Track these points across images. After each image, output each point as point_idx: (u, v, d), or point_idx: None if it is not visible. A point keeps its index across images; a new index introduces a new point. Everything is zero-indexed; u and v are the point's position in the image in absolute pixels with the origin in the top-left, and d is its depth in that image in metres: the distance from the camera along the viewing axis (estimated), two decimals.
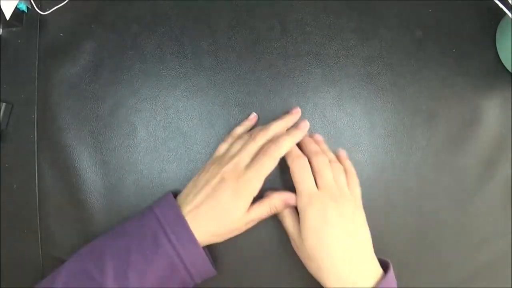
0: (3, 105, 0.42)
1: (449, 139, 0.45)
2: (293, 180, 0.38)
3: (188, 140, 0.43)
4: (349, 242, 0.36)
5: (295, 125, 0.42)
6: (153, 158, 0.43)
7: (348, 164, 0.42)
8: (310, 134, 0.43)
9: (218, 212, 0.36)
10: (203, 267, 0.36)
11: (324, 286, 0.36)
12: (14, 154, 0.43)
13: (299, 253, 0.39)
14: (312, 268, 0.37)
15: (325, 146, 0.43)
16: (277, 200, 0.38)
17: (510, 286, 0.45)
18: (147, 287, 0.35)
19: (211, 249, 0.41)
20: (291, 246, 0.40)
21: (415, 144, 0.44)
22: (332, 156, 0.42)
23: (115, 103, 0.43)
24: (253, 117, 0.43)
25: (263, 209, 0.38)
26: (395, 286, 0.37)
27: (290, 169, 0.39)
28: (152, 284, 0.35)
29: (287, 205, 0.39)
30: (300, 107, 0.44)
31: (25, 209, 0.42)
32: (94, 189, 0.43)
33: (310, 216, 0.37)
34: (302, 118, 0.43)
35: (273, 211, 0.39)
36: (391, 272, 0.37)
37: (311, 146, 0.41)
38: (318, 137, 0.43)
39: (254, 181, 0.37)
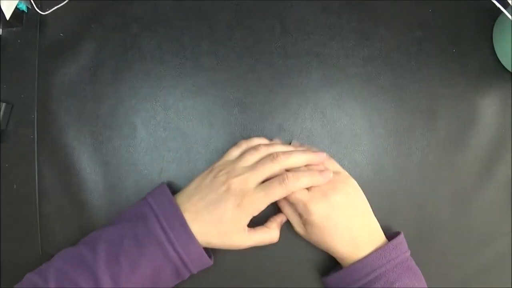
0: (3, 105, 0.42)
1: (449, 139, 0.45)
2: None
3: (188, 140, 0.43)
4: (352, 218, 0.39)
5: (319, 169, 0.40)
6: (153, 158, 0.43)
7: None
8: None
9: (218, 221, 0.36)
10: (197, 255, 0.36)
11: (334, 255, 0.40)
12: (14, 154, 0.43)
13: (307, 238, 0.41)
14: (322, 247, 0.40)
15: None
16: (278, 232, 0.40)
17: (510, 286, 0.45)
18: (140, 274, 0.34)
19: None
20: (289, 238, 0.42)
21: (415, 144, 0.44)
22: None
23: (115, 103, 0.43)
24: (276, 141, 0.43)
25: (266, 238, 0.39)
26: (401, 253, 0.38)
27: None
28: (144, 272, 0.34)
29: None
30: (300, 107, 0.44)
31: (25, 209, 0.42)
32: (94, 189, 0.43)
33: (315, 217, 0.38)
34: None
35: (273, 241, 0.40)
36: (398, 238, 0.38)
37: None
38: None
39: (259, 203, 0.36)
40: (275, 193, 0.36)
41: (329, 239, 0.38)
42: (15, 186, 0.43)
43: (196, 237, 0.35)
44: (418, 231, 0.44)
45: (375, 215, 0.40)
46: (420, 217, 0.44)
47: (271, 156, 0.38)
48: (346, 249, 0.38)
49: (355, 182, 0.40)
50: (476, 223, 0.45)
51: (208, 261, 0.37)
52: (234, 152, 0.40)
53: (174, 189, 0.43)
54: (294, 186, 0.37)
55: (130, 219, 0.37)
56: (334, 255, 0.40)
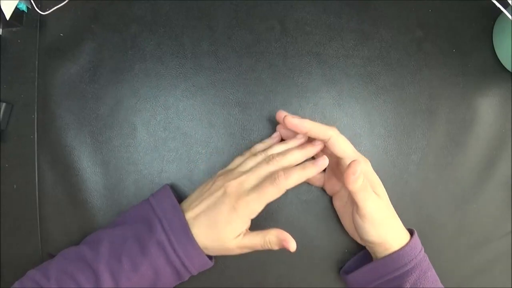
0: (3, 105, 0.42)
1: (449, 139, 0.45)
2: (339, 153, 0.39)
3: (188, 140, 0.43)
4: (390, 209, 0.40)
5: (313, 159, 0.39)
6: (153, 158, 0.43)
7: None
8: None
9: (214, 224, 0.36)
10: (198, 258, 0.36)
11: (372, 252, 0.40)
12: (14, 154, 0.43)
13: (356, 225, 0.39)
14: (364, 239, 0.39)
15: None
16: (273, 237, 0.36)
17: (510, 286, 0.45)
18: (140, 274, 0.35)
19: None
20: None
21: (415, 144, 0.44)
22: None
23: (115, 103, 0.43)
24: (276, 136, 0.42)
25: (257, 241, 0.37)
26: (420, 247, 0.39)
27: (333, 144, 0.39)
28: (145, 273, 0.35)
29: (282, 246, 0.36)
30: (300, 107, 0.44)
31: (25, 209, 0.42)
32: (94, 189, 0.43)
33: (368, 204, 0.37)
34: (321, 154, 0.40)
35: (266, 246, 0.37)
36: (415, 236, 0.40)
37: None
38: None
39: (253, 205, 0.35)
40: (267, 193, 0.35)
41: (387, 221, 0.38)
42: (15, 186, 0.43)
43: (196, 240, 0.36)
44: (418, 231, 0.44)
45: None
46: (420, 217, 0.44)
47: (266, 159, 0.38)
48: (395, 238, 0.38)
49: None
50: (476, 223, 0.45)
51: (209, 263, 0.37)
52: (237, 161, 0.40)
53: (175, 190, 0.43)
54: (286, 184, 0.36)
55: (133, 220, 0.38)
56: (378, 245, 0.38)
